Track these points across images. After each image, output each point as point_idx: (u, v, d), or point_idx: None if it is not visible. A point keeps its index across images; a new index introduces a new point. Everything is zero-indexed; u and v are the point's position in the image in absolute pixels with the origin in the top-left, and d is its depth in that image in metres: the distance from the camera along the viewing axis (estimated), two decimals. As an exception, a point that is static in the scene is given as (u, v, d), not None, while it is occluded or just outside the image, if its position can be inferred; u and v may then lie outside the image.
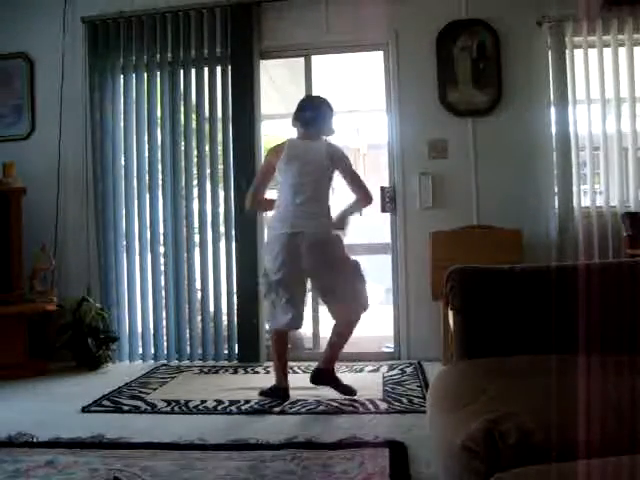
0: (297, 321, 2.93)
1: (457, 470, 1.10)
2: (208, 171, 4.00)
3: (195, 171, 4.03)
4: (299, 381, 3.29)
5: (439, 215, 3.78)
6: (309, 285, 3.07)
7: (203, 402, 2.93)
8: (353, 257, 3.06)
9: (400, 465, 2.02)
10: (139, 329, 4.00)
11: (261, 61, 4.00)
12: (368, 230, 5.25)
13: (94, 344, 3.71)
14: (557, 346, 1.57)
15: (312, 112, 3.03)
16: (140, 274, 4.00)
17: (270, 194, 3.21)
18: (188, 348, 3.94)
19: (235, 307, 3.89)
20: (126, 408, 2.89)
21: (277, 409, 2.80)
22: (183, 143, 4.00)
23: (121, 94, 4.08)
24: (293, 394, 2.96)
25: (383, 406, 2.79)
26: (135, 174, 4.05)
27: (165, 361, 3.92)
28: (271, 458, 2.11)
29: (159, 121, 4.03)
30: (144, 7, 3.98)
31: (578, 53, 3.70)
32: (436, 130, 3.84)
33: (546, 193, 3.72)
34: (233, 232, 3.90)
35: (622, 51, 3.68)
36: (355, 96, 5.64)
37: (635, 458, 0.91)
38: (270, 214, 3.13)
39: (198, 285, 3.98)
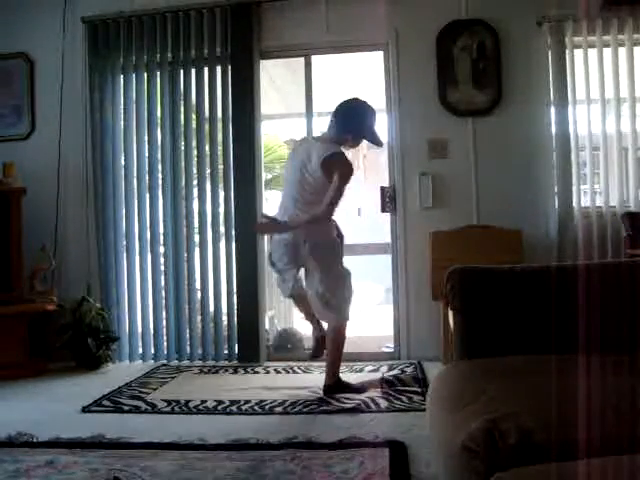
0: None
1: (457, 470, 1.10)
2: (208, 171, 4.01)
3: (195, 171, 4.03)
4: (299, 381, 3.30)
5: (439, 215, 3.78)
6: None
7: (203, 402, 2.93)
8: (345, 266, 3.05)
9: (400, 465, 2.02)
10: (139, 329, 4.00)
11: (261, 61, 4.00)
12: (368, 230, 5.26)
13: (94, 344, 3.70)
14: (557, 346, 1.57)
15: (332, 115, 3.07)
16: (140, 274, 4.00)
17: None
18: (188, 348, 3.94)
19: (235, 307, 3.89)
20: (126, 408, 2.89)
21: (277, 409, 2.80)
22: (183, 143, 4.00)
23: (121, 94, 4.08)
24: (293, 394, 2.96)
25: (383, 405, 2.79)
26: (135, 174, 4.05)
27: (165, 361, 3.92)
28: (271, 458, 2.11)
29: (159, 121, 4.03)
30: (144, 7, 3.98)
31: (578, 53, 3.70)
32: (436, 130, 3.84)
33: (546, 193, 3.72)
34: (233, 232, 3.90)
35: (622, 51, 3.68)
36: (355, 96, 5.63)
37: (635, 458, 0.91)
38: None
39: (198, 285, 3.98)
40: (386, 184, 3.98)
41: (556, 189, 3.72)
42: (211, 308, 3.96)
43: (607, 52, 3.67)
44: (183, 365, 3.85)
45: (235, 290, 3.90)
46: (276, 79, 4.88)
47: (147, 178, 4.04)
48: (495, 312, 1.73)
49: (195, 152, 4.03)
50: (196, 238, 4.01)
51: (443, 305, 3.26)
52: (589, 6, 3.61)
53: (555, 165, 3.72)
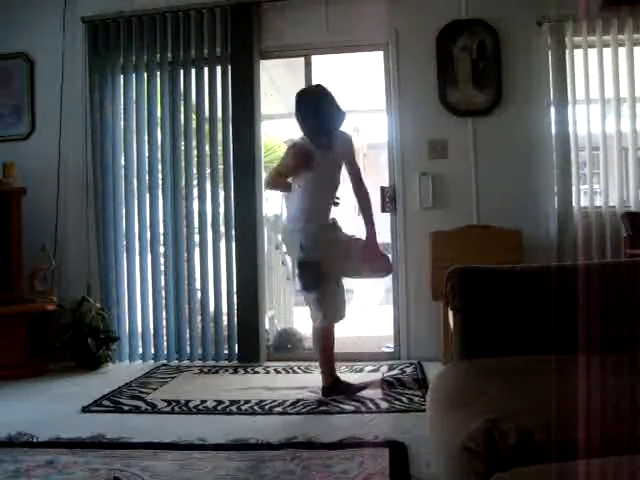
0: None
1: (457, 470, 1.10)
2: (208, 171, 4.01)
3: (195, 171, 4.03)
4: (299, 381, 3.30)
5: (439, 215, 3.78)
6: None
7: (203, 402, 2.93)
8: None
9: (400, 465, 2.02)
10: (139, 329, 4.00)
11: (261, 61, 4.00)
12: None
13: (94, 344, 3.70)
14: (557, 346, 1.57)
15: None
16: (140, 274, 4.00)
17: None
18: (188, 348, 3.94)
19: (235, 307, 3.89)
20: (126, 408, 2.89)
21: (277, 409, 2.80)
22: (183, 143, 4.00)
23: (121, 94, 4.08)
24: (293, 394, 2.96)
25: (383, 406, 2.79)
26: (135, 174, 4.05)
27: (165, 361, 3.92)
28: (271, 458, 2.11)
29: (159, 121, 4.03)
30: (144, 7, 3.98)
31: (578, 53, 3.70)
32: (436, 130, 3.84)
33: (546, 193, 3.72)
34: (233, 232, 3.90)
35: (622, 51, 3.68)
36: (355, 96, 5.63)
37: (635, 458, 0.91)
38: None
39: (198, 285, 3.98)
40: (386, 184, 3.98)
41: (556, 189, 3.72)
42: (211, 308, 3.96)
43: (607, 52, 3.67)
44: (183, 365, 3.85)
45: (235, 290, 3.90)
46: (276, 79, 4.87)
47: (147, 178, 4.04)
48: (495, 312, 1.73)
49: (195, 152, 4.03)
50: (196, 238, 4.01)
51: (443, 305, 3.26)
52: (589, 6, 3.61)
53: (555, 165, 3.72)
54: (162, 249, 4.01)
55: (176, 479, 1.97)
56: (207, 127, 4.00)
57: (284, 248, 2.96)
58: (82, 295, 3.83)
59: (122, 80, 4.09)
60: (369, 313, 5.65)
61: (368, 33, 3.92)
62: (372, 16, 3.82)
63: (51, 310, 3.76)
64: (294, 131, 3.16)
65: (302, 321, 4.29)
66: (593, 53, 3.68)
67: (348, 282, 3.30)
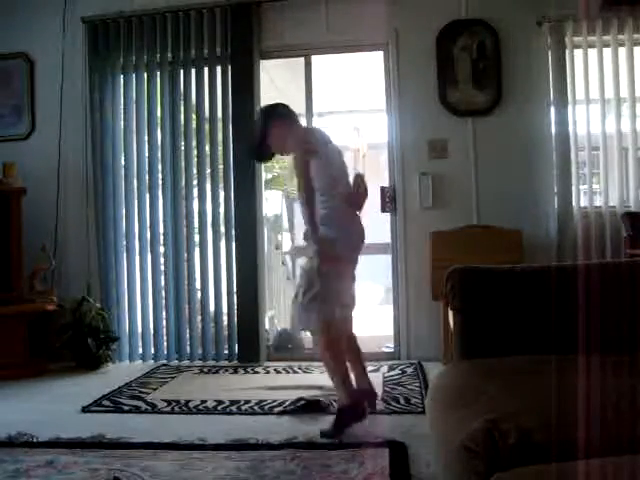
0: None
1: (457, 470, 1.10)
2: (208, 171, 4.01)
3: (195, 171, 4.03)
4: (299, 381, 3.30)
5: (439, 215, 3.78)
6: None
7: (203, 402, 2.93)
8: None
9: (400, 465, 2.02)
10: (139, 329, 4.00)
11: (261, 61, 4.00)
12: (368, 230, 5.24)
13: (94, 344, 3.70)
14: (557, 346, 1.57)
15: None
16: (140, 274, 4.01)
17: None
18: (188, 348, 3.94)
19: (235, 307, 3.89)
20: (126, 408, 2.89)
21: (277, 409, 2.80)
22: (183, 143, 4.00)
23: (121, 94, 4.08)
24: (292, 394, 2.96)
25: (383, 406, 2.79)
26: (135, 174, 4.05)
27: (165, 361, 3.92)
28: (271, 458, 2.11)
29: (159, 121, 4.03)
30: (144, 7, 3.98)
31: (578, 53, 3.70)
32: (436, 130, 3.84)
33: (546, 193, 3.72)
34: (233, 232, 3.90)
35: (622, 51, 3.68)
36: (355, 96, 5.64)
37: (635, 458, 0.91)
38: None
39: (198, 285, 3.98)
40: (386, 184, 3.98)
41: (556, 189, 3.72)
42: (211, 308, 3.96)
43: (607, 52, 3.67)
44: (183, 365, 3.85)
45: (235, 290, 3.91)
46: (276, 79, 4.87)
47: (147, 178, 4.04)
48: (495, 312, 1.73)
49: (195, 152, 4.03)
50: (196, 238, 4.01)
51: (443, 305, 3.26)
52: (589, 6, 3.61)
53: (555, 165, 3.72)
54: (162, 249, 4.01)
55: (176, 479, 1.97)
56: (207, 127, 4.00)
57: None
58: (82, 295, 3.83)
59: (122, 80, 4.09)
60: (369, 313, 5.65)
61: (368, 33, 3.92)
62: (372, 16, 3.82)
63: (51, 310, 3.76)
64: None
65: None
66: (593, 53, 3.68)
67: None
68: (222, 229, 3.97)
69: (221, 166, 4.00)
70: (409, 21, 3.87)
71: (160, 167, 4.01)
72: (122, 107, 4.07)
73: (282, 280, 4.98)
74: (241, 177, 3.87)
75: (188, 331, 3.96)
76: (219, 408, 2.85)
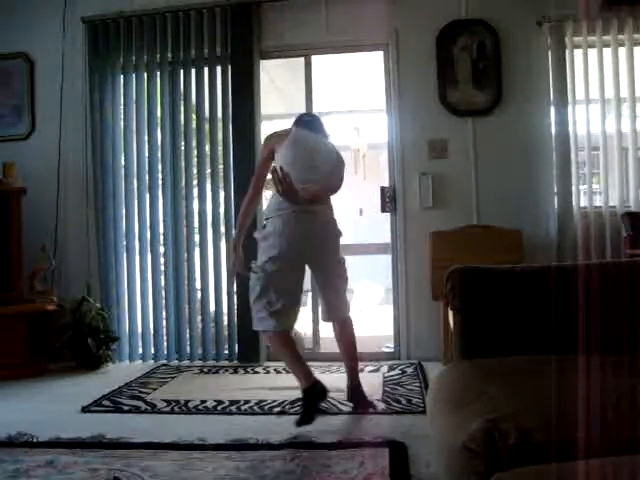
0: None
1: (457, 470, 1.10)
2: (208, 171, 4.01)
3: (195, 171, 4.03)
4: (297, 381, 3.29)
5: (439, 215, 3.78)
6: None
7: (203, 402, 2.93)
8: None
9: (400, 465, 2.02)
10: (139, 329, 4.00)
11: (261, 61, 4.00)
12: (368, 230, 5.25)
13: (94, 344, 3.71)
14: (557, 346, 1.57)
15: (312, 118, 3.02)
16: (140, 274, 4.01)
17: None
18: (188, 348, 3.94)
19: (235, 307, 3.89)
20: (126, 408, 2.89)
21: (277, 409, 2.80)
22: (183, 143, 4.00)
23: (121, 94, 4.08)
24: (292, 394, 2.96)
25: (383, 406, 2.79)
26: (135, 174, 4.05)
27: (165, 361, 3.92)
28: (271, 458, 2.11)
29: (159, 121, 4.03)
30: (144, 7, 3.98)
31: (578, 53, 3.70)
32: (436, 130, 3.84)
33: (546, 193, 3.72)
34: (233, 232, 3.89)
35: (622, 51, 3.68)
36: (355, 96, 5.64)
37: (635, 458, 0.91)
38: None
39: (198, 285, 3.98)
40: (386, 184, 3.98)
41: (556, 189, 3.72)
42: (211, 308, 3.96)
43: (607, 52, 3.67)
44: (183, 365, 3.85)
45: (235, 290, 3.90)
46: (276, 79, 4.87)
47: (147, 178, 4.04)
48: (495, 312, 1.73)
49: (195, 152, 4.03)
50: (196, 238, 4.01)
51: (443, 305, 3.26)
52: (589, 6, 3.61)
53: (555, 165, 3.72)
54: (162, 249, 4.01)
55: (176, 479, 1.97)
56: (207, 127, 4.00)
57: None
58: (82, 295, 3.83)
59: (122, 80, 4.09)
60: (369, 313, 5.65)
61: (368, 33, 3.92)
62: (372, 16, 3.82)
63: (51, 310, 3.76)
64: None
65: (302, 321, 4.28)
66: (593, 53, 3.68)
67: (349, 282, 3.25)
68: (222, 229, 3.97)
69: (221, 166, 4.00)
70: (409, 21, 3.87)
71: (160, 167, 4.02)
72: (122, 107, 4.08)
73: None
74: (241, 177, 3.86)
75: (188, 331, 3.96)
76: (219, 408, 2.85)
